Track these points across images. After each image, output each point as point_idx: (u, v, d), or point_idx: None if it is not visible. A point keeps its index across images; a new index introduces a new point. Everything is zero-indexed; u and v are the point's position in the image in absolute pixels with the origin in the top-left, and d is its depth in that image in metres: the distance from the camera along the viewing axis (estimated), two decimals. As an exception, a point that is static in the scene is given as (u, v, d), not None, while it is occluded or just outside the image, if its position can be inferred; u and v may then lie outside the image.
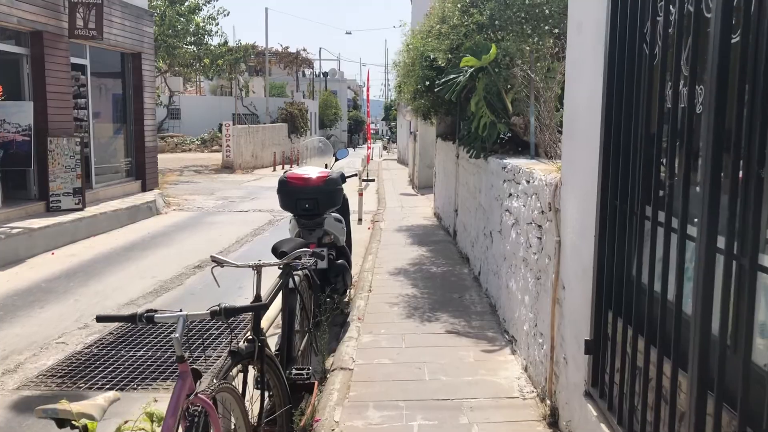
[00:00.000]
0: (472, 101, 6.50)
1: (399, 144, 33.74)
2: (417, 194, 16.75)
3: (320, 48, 76.89)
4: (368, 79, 32.72)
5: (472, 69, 6.43)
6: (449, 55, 6.95)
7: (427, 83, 7.78)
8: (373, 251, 8.79)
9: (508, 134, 6.71)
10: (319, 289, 5.34)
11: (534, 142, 5.64)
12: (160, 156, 29.16)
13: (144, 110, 13.44)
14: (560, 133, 5.44)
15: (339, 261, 5.59)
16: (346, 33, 53.47)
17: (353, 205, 12.32)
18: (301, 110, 37.43)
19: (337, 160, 6.88)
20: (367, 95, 30.00)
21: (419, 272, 7.52)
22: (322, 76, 54.78)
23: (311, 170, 5.57)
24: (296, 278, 3.87)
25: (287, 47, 45.52)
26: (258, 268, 3.23)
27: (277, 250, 3.83)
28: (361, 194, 12.40)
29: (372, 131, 48.39)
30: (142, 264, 8.31)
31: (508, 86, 6.48)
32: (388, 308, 5.99)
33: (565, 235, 3.49)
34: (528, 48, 6.34)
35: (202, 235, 10.50)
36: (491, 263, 6.07)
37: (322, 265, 5.34)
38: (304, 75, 51.89)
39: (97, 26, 10.52)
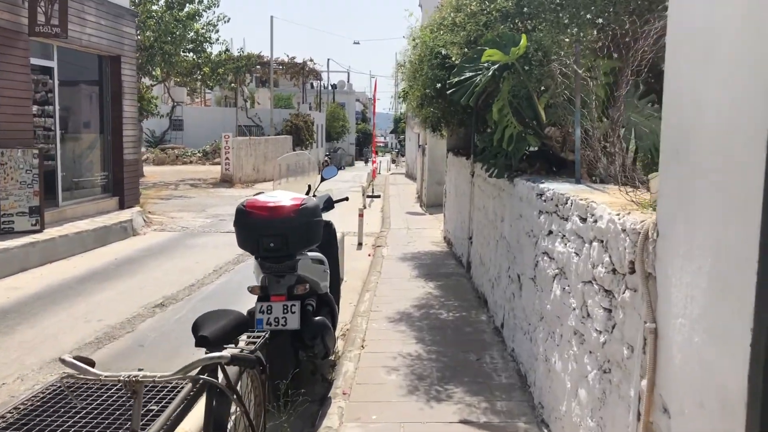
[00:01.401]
0: (494, 107, 5.11)
1: (407, 157, 32.40)
2: (425, 213, 15.32)
3: (328, 59, 75.93)
4: (375, 90, 31.45)
5: (495, 67, 5.04)
6: (465, 50, 5.57)
7: (438, 86, 6.39)
8: (371, 286, 7.37)
9: (535, 148, 5.34)
10: (293, 363, 3.96)
11: (579, 159, 4.25)
12: (158, 168, 28.25)
13: (123, 119, 12.11)
14: (605, 152, 4.06)
15: (318, 318, 4.17)
16: (354, 43, 52.28)
17: (353, 227, 11.02)
18: (307, 122, 36.19)
19: (323, 180, 5.53)
20: (374, 106, 28.68)
21: (426, 318, 6.09)
22: (330, 87, 53.49)
23: (282, 196, 4.16)
24: (229, 372, 2.47)
25: (293, 57, 44.28)
26: (134, 387, 1.83)
27: (197, 331, 2.44)
28: (361, 215, 11.03)
29: (380, 144, 47.04)
30: (94, 300, 6.93)
31: (541, 88, 5.11)
32: (385, 376, 4.56)
33: (667, 321, 2.07)
34: (567, 40, 4.97)
35: (177, 261, 9.11)
36: (520, 318, 4.65)
37: (293, 325, 3.95)
38: (312, 87, 50.65)
39: (61, 22, 9.18)
